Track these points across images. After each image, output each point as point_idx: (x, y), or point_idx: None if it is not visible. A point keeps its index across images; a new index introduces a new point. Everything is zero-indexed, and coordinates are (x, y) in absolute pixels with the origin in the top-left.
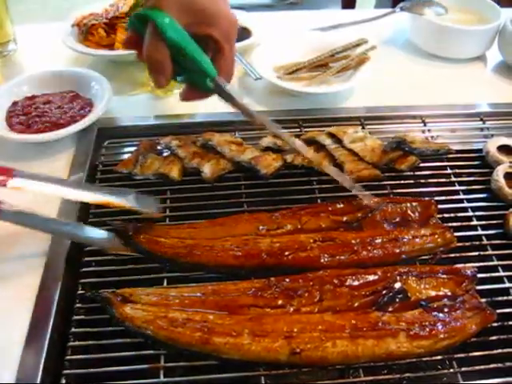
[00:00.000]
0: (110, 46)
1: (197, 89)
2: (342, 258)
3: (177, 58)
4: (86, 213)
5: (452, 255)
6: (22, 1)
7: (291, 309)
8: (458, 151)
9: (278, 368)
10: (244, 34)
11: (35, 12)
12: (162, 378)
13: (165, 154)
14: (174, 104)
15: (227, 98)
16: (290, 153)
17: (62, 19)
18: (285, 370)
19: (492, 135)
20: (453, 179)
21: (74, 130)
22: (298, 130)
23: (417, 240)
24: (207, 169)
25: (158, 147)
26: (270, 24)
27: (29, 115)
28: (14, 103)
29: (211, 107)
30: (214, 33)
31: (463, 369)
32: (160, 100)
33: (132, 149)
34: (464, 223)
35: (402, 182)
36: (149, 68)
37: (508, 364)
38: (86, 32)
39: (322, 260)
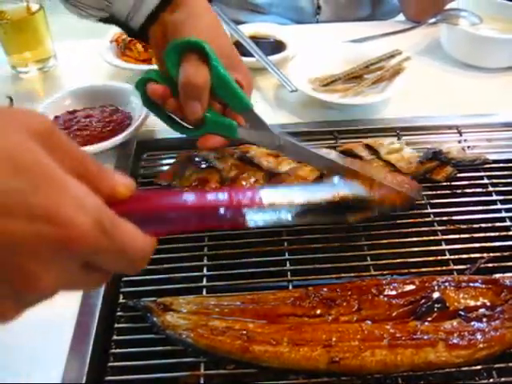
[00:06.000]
0: (148, 61)
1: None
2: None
3: (213, 88)
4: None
5: (490, 265)
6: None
7: (330, 318)
8: (494, 161)
9: (317, 376)
10: (279, 46)
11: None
12: None
13: (203, 166)
14: None
15: (259, 125)
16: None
17: (98, 34)
18: (323, 378)
19: None
20: (490, 189)
21: (114, 143)
22: (334, 141)
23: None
24: None
25: (196, 159)
26: (305, 37)
27: (70, 129)
28: (56, 117)
29: None
30: (243, 81)
31: (503, 379)
32: None
33: (170, 161)
34: (502, 233)
35: (439, 192)
36: (184, 95)
37: None
38: (125, 47)
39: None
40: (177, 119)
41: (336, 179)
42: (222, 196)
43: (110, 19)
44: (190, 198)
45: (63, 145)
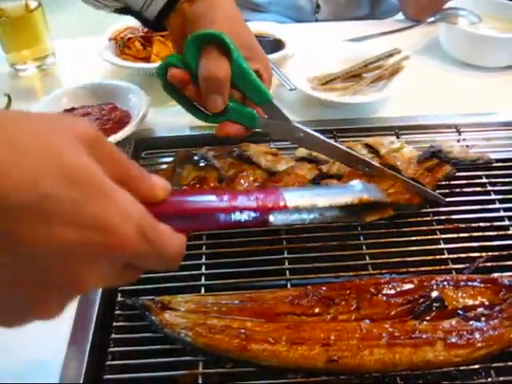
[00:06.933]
0: (147, 59)
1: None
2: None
3: (233, 80)
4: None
5: (489, 264)
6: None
7: (328, 317)
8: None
9: (316, 375)
10: (278, 45)
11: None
12: None
13: (201, 165)
14: None
15: (279, 117)
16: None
17: (97, 32)
18: (322, 377)
19: None
20: (488, 188)
21: (112, 141)
22: (333, 140)
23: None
24: None
25: (195, 158)
26: (304, 35)
27: None
28: None
29: None
30: (262, 71)
31: (501, 378)
32: None
33: (168, 159)
34: (501, 232)
35: (438, 191)
36: (206, 89)
37: None
38: (123, 45)
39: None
40: (198, 106)
41: (355, 182)
42: (250, 199)
43: (124, 9)
44: (219, 200)
45: (109, 153)
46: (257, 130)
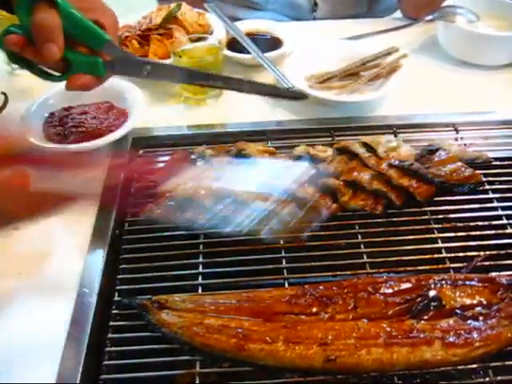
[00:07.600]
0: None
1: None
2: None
3: (67, 30)
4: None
5: (487, 263)
6: None
7: (326, 316)
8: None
9: (313, 375)
10: (276, 43)
11: None
12: None
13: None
14: (206, 114)
15: (124, 61)
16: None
17: None
18: (319, 376)
19: None
20: (486, 187)
21: (109, 139)
22: (330, 138)
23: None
24: None
25: (192, 156)
26: (301, 34)
27: (65, 126)
28: (51, 114)
29: (243, 117)
30: (103, 20)
31: (499, 378)
32: (193, 110)
33: (166, 158)
34: (498, 231)
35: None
36: (38, 39)
37: None
38: (120, 44)
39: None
40: (45, 68)
41: None
42: None
43: None
44: None
45: None
46: (111, 77)
